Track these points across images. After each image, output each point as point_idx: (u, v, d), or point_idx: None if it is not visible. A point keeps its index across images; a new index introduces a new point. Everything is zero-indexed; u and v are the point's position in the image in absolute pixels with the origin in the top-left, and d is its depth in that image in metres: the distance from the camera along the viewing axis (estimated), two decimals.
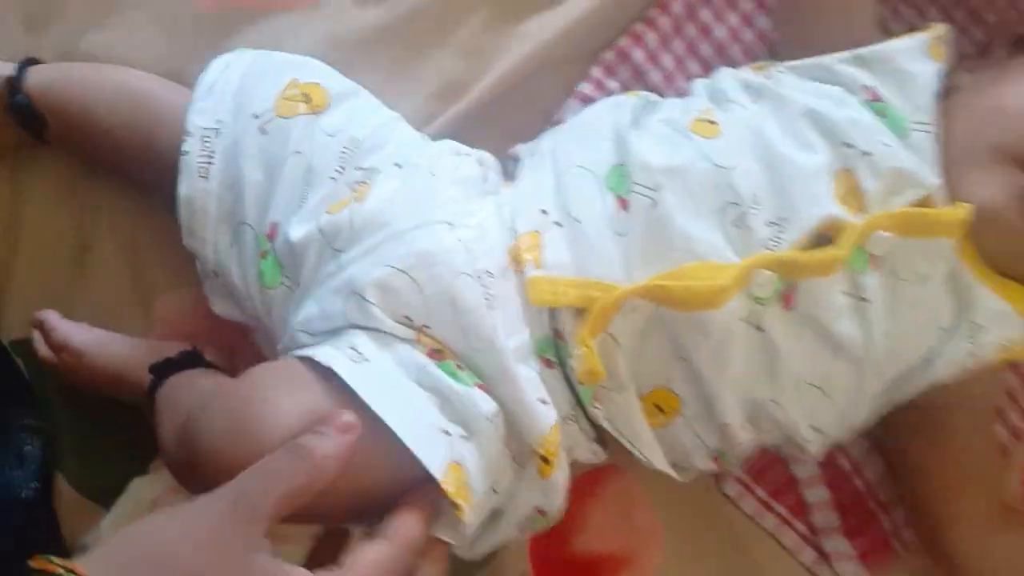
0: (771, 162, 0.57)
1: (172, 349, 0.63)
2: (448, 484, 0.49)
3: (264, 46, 0.66)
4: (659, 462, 0.58)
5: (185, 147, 0.60)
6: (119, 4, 0.69)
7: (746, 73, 0.63)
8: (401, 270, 0.54)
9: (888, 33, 0.65)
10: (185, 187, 0.59)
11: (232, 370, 0.64)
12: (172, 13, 0.69)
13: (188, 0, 0.69)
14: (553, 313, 0.56)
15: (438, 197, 0.57)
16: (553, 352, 0.56)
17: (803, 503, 0.69)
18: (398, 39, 0.69)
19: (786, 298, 0.55)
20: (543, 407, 0.54)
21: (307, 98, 0.60)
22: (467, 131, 0.67)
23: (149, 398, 0.60)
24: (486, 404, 0.52)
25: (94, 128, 0.63)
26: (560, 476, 0.56)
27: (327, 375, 0.51)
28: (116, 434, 0.68)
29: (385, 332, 0.54)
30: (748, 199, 0.56)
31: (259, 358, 0.65)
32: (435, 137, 0.66)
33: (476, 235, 0.56)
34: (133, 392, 0.62)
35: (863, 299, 0.56)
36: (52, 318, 0.65)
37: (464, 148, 0.63)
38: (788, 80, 0.61)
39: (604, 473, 0.67)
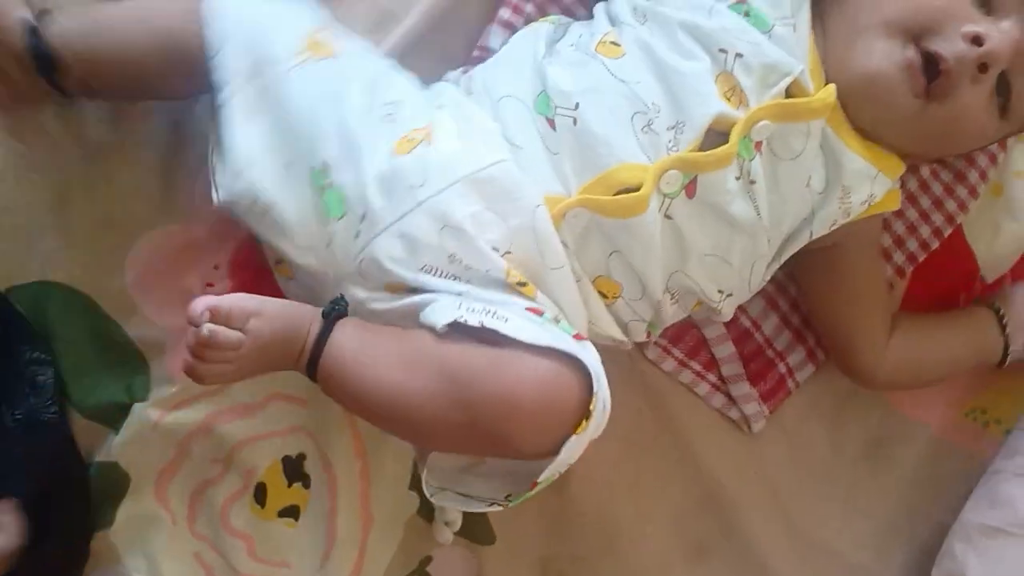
0: (663, 74, 0.65)
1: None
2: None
3: None
4: (616, 333, 0.69)
5: (221, 97, 0.63)
6: None
7: None
8: (489, 205, 0.62)
9: None
10: (228, 133, 0.63)
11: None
12: None
13: None
14: None
15: (494, 140, 0.65)
16: None
17: (713, 359, 0.82)
18: None
19: (689, 189, 0.65)
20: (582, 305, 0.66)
21: (318, 46, 0.65)
22: (404, 59, 0.73)
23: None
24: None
25: (123, 65, 0.66)
26: None
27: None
28: (111, 358, 0.75)
29: (480, 272, 0.61)
30: (652, 108, 0.65)
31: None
32: None
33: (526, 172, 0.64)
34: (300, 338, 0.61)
35: (752, 181, 0.66)
36: (216, 301, 0.59)
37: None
38: None
39: None
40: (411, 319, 0.61)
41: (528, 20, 0.76)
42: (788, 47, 0.67)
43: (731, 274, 0.70)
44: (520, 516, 0.80)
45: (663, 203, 0.65)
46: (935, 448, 0.86)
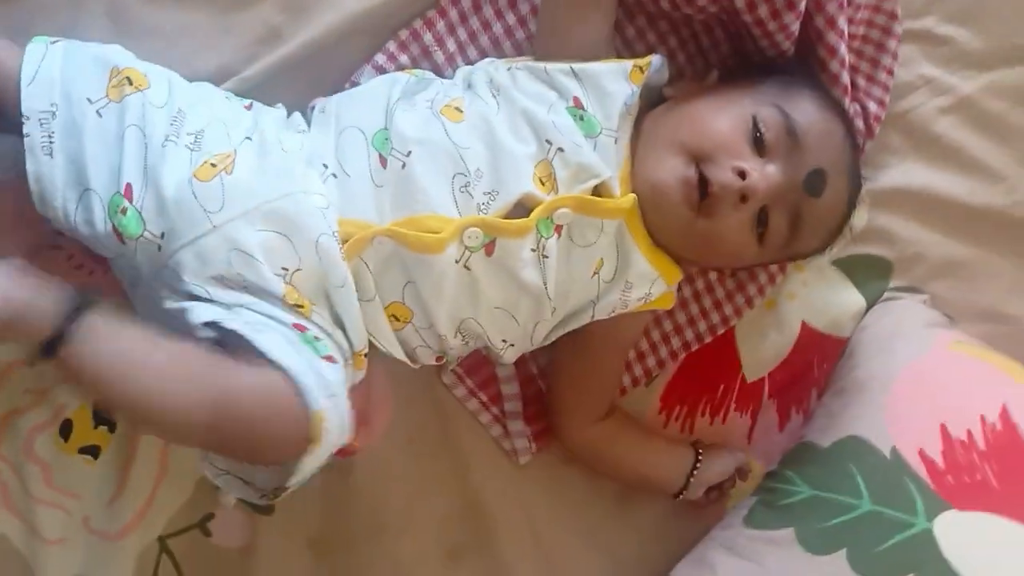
0: (494, 147, 0.75)
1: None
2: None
3: None
4: (398, 353, 0.79)
5: (26, 130, 0.69)
6: None
7: (498, 69, 0.80)
8: (279, 232, 0.70)
9: (617, 52, 0.85)
10: (32, 164, 0.69)
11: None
12: None
13: None
14: None
15: (294, 170, 0.73)
16: None
17: (499, 394, 0.93)
18: None
19: (488, 248, 0.75)
20: (363, 323, 0.75)
21: (129, 81, 0.72)
22: (279, 76, 0.83)
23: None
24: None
25: None
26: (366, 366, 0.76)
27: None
28: None
29: (262, 290, 0.69)
30: (473, 173, 0.75)
31: None
32: (252, 78, 0.81)
33: (325, 201, 0.73)
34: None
35: (544, 256, 0.77)
36: None
37: (299, 122, 0.78)
38: (522, 79, 0.79)
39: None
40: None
41: (400, 68, 0.85)
42: (606, 155, 0.77)
43: (516, 328, 0.80)
44: (302, 493, 0.89)
45: (464, 254, 0.75)
46: (674, 508, 0.97)
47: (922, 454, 0.85)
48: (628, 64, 0.80)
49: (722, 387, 0.98)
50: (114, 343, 0.66)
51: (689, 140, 0.77)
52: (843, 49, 0.85)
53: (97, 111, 0.71)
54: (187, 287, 0.70)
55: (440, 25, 0.87)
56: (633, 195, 0.78)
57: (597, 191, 0.78)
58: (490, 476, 0.94)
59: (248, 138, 0.74)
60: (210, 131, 0.73)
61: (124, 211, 0.70)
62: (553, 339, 0.85)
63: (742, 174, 0.75)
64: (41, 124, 0.69)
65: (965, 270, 0.99)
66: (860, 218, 0.96)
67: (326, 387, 0.67)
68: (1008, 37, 0.97)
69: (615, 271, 0.81)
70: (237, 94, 0.81)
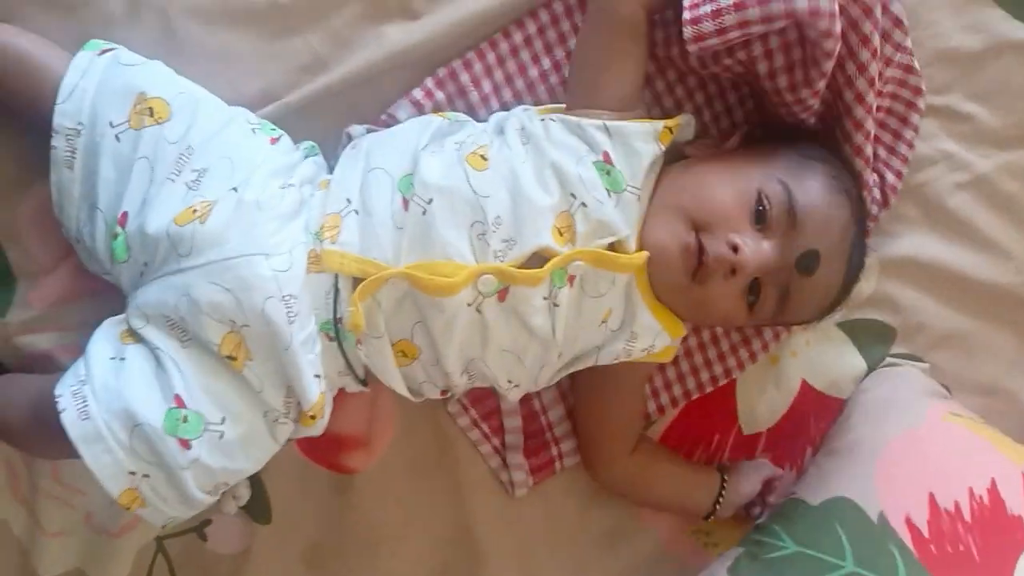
0: (517, 196, 0.77)
1: None
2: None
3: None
4: (400, 389, 0.81)
5: (53, 143, 0.75)
6: None
7: (532, 119, 0.82)
8: (228, 289, 0.73)
9: (646, 104, 0.87)
10: (55, 175, 0.76)
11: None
12: None
13: None
14: (337, 294, 0.77)
15: (262, 230, 0.75)
16: (333, 330, 0.78)
17: (501, 426, 0.95)
18: (278, 15, 0.85)
19: (501, 294, 0.77)
20: (315, 381, 0.76)
21: (151, 112, 0.76)
22: (320, 103, 0.85)
23: None
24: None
25: None
26: (322, 422, 0.79)
27: None
28: None
29: (199, 337, 0.73)
30: (492, 221, 0.76)
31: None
32: (291, 104, 0.84)
33: (286, 263, 0.75)
34: None
35: (556, 304, 0.79)
36: None
37: (311, 171, 0.81)
38: (555, 130, 0.80)
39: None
40: None
41: (436, 105, 0.88)
42: (627, 211, 0.79)
43: (522, 371, 0.83)
44: (299, 503, 0.93)
45: (476, 298, 0.77)
46: (658, 553, 0.99)
47: (908, 521, 0.87)
48: (660, 125, 0.82)
49: (717, 438, 1.00)
50: None
51: (692, 207, 0.79)
52: (870, 123, 0.87)
53: (116, 135, 0.75)
54: (129, 318, 0.75)
55: (477, 67, 0.89)
56: (646, 252, 0.80)
57: (612, 246, 0.80)
58: (485, 504, 0.96)
59: (235, 188, 0.75)
60: (213, 170, 0.76)
61: (116, 236, 0.75)
62: (554, 381, 0.87)
63: (735, 248, 0.77)
64: (67, 140, 0.75)
65: (967, 343, 1.00)
66: (868, 284, 0.98)
67: (130, 479, 0.72)
68: None
69: (622, 321, 0.83)
70: (274, 120, 0.84)
